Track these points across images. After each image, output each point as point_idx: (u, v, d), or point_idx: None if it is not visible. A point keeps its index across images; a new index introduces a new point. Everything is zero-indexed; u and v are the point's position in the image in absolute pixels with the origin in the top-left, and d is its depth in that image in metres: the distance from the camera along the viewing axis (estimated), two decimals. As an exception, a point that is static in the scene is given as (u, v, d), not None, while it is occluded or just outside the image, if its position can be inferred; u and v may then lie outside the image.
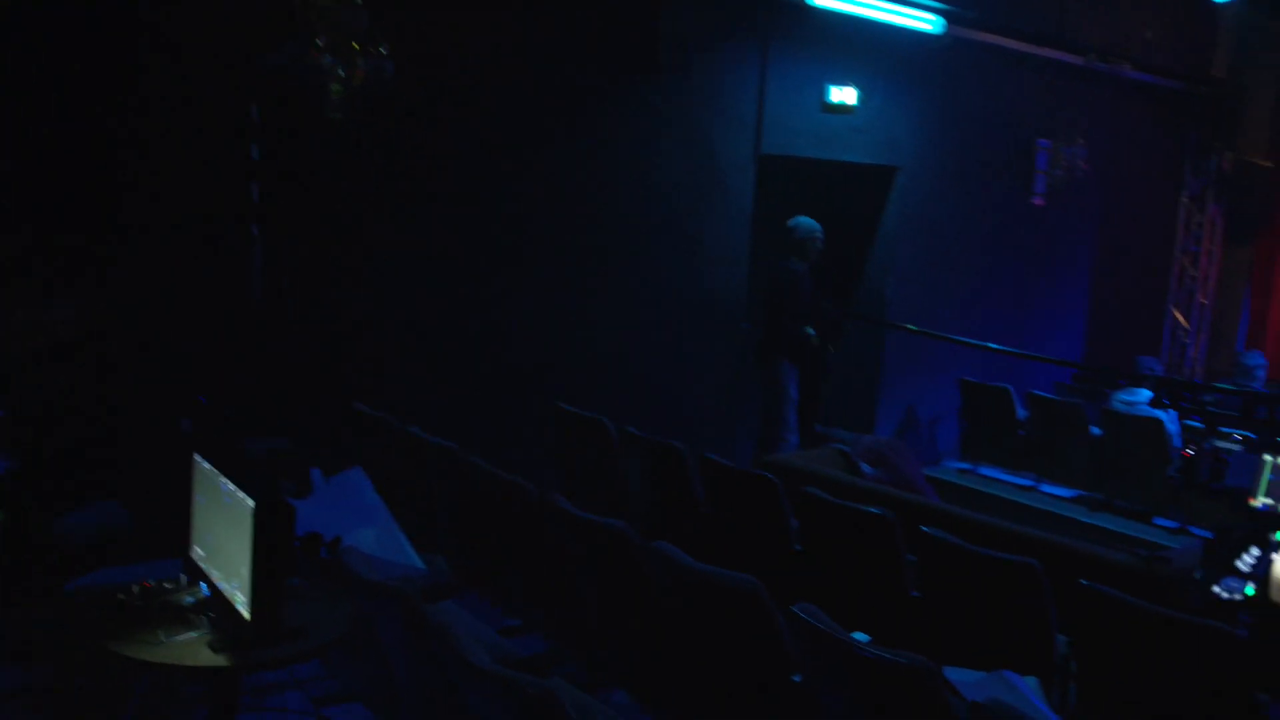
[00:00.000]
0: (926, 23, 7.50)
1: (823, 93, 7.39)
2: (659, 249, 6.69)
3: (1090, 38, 8.95)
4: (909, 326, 8.17)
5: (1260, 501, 2.19)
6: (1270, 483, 2.18)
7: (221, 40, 4.59)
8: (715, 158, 6.87)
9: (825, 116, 7.46)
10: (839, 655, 2.86)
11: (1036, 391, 8.03)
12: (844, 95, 7.44)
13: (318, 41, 4.16)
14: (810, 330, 7.03)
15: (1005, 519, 7.47)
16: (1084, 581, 3.43)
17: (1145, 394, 7.61)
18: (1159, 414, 7.52)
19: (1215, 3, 8.90)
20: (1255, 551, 2.12)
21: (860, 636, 2.97)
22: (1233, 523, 2.30)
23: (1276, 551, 2.09)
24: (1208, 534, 7.04)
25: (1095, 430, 7.61)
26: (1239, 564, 2.12)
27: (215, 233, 4.81)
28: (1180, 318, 11.39)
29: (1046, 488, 8.03)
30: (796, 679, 3.08)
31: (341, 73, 4.31)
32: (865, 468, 5.89)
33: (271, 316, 5.06)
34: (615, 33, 6.15)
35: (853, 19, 7.18)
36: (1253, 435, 6.28)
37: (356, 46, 4.52)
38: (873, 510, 4.12)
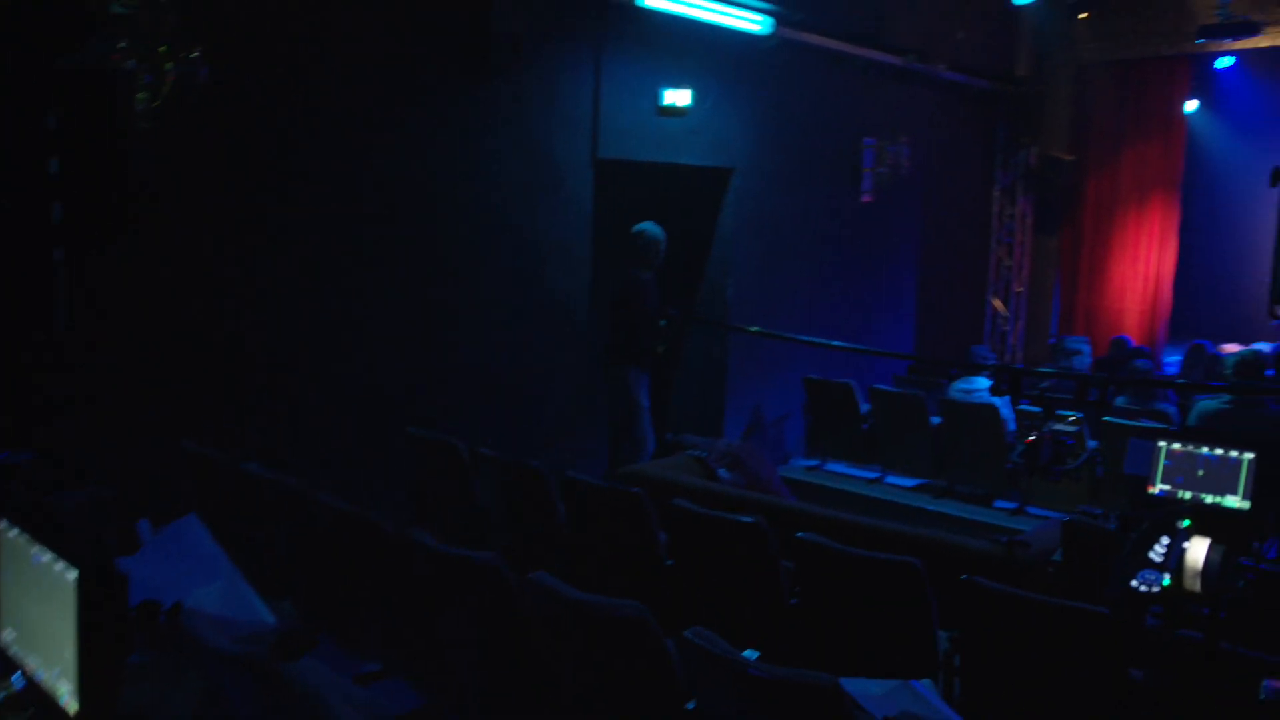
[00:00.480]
0: (755, 23, 7.53)
1: (657, 95, 7.32)
2: (501, 257, 6.45)
3: (907, 39, 9.23)
4: (750, 329, 8.19)
5: (1158, 488, 2.18)
6: (1166, 468, 2.18)
7: (8, 38, 4.09)
8: (553, 162, 6.68)
9: (660, 119, 7.39)
10: (734, 679, 2.72)
11: (878, 385, 8.19)
12: (678, 97, 7.38)
13: (120, 45, 3.74)
14: (660, 332, 6.94)
15: (855, 512, 7.62)
16: (965, 576, 3.43)
17: (983, 382, 7.88)
18: (995, 400, 7.79)
19: (1015, 5, 9.29)
20: (1165, 541, 2.11)
21: (749, 654, 2.85)
22: (1136, 512, 2.30)
23: (1186, 540, 2.09)
24: (1047, 513, 7.37)
25: (935, 419, 7.83)
26: (1151, 555, 2.11)
27: (9, 259, 4.29)
28: (999, 306, 11.93)
29: (891, 479, 8.21)
30: (690, 707, 2.93)
31: (148, 79, 3.90)
32: (722, 473, 5.83)
33: (81, 350, 4.57)
34: (447, 32, 5.88)
35: (684, 20, 7.14)
36: (1079, 415, 6.57)
37: (164, 50, 4.11)
38: (744, 519, 4.03)
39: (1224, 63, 10.89)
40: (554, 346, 6.83)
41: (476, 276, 6.32)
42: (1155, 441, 2.20)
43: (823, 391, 8.33)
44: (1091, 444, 6.77)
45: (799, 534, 3.88)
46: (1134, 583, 2.10)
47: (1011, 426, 7.44)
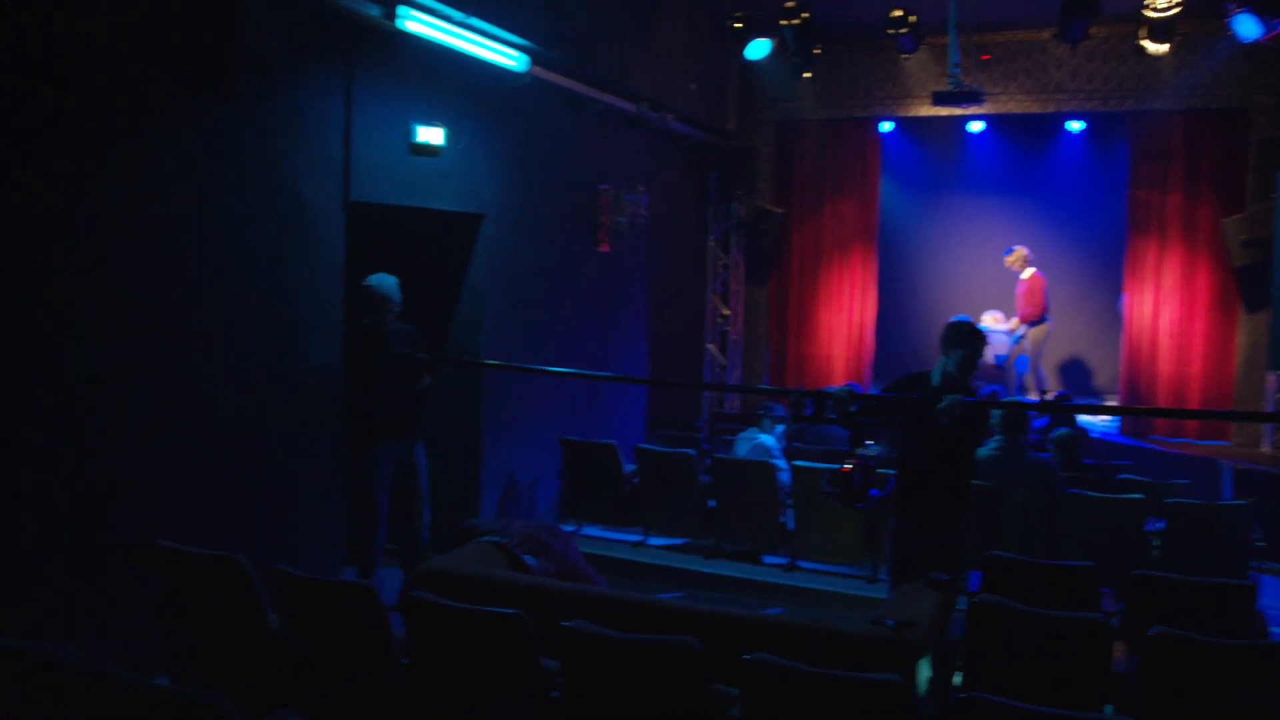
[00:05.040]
0: (512, 59, 6.95)
1: (410, 132, 6.52)
2: (241, 317, 5.36)
3: (644, 87, 9.04)
4: (488, 363, 7.52)
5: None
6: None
7: None
8: (303, 205, 5.69)
9: (413, 159, 6.59)
10: None
11: (644, 445, 7.83)
12: (431, 135, 6.63)
13: None
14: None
15: (620, 578, 7.15)
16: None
17: (757, 433, 7.77)
18: (773, 450, 7.69)
19: (745, 60, 9.39)
20: None
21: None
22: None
23: None
24: (818, 566, 7.31)
25: (704, 478, 7.58)
26: None
27: None
28: (717, 353, 12.04)
29: (655, 540, 7.85)
30: None
31: None
32: (529, 560, 5.13)
33: None
34: (185, 46, 4.79)
35: (441, 50, 6.41)
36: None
37: None
38: (503, 611, 3.57)
39: (886, 126, 11.76)
40: (307, 417, 5.80)
41: (213, 338, 5.19)
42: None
43: (582, 453, 7.85)
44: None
45: (564, 623, 3.51)
46: None
47: (786, 479, 7.33)
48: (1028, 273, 11.10)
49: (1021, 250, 11.18)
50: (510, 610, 3.58)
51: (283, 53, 5.26)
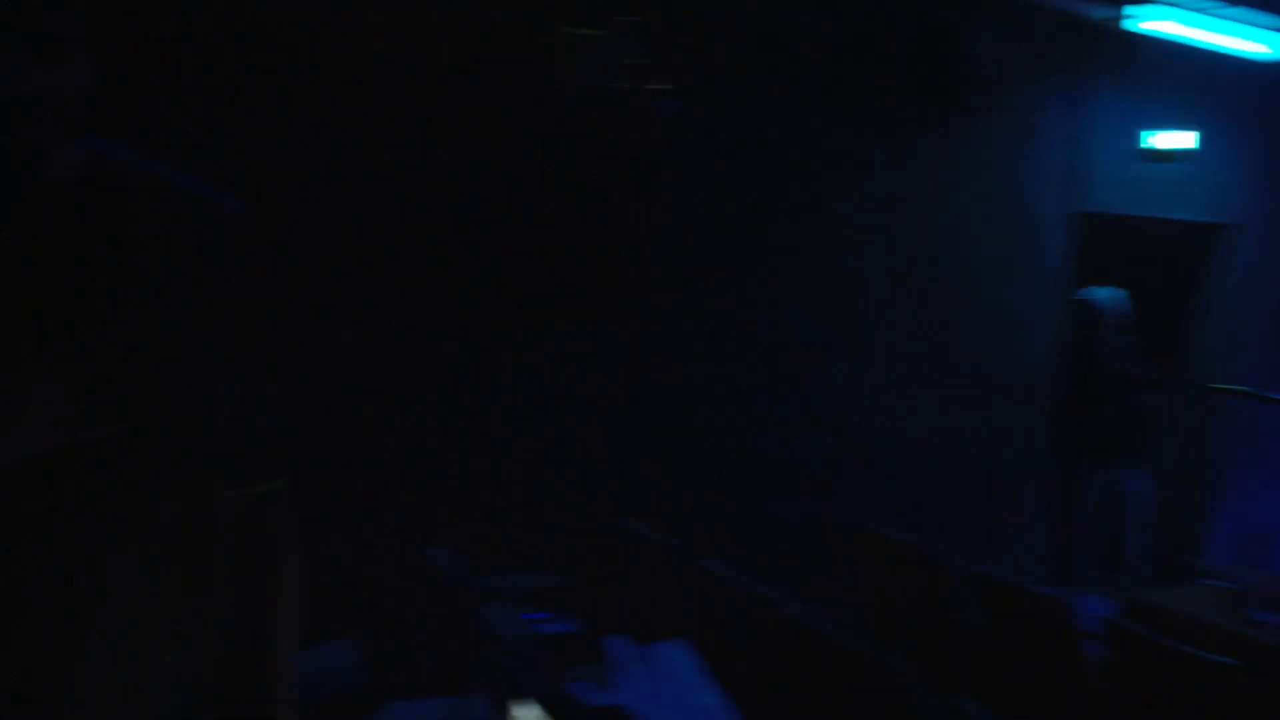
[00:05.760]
0: (1270, 45, 6.13)
1: (1138, 139, 6.12)
2: (954, 319, 5.52)
3: None
4: (1220, 386, 6.54)
5: None
6: None
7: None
8: (1025, 217, 5.68)
9: (1143, 165, 6.17)
10: None
11: None
12: (1169, 141, 6.13)
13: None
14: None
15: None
16: None
17: None
18: None
19: None
20: None
21: None
22: None
23: None
24: None
25: None
26: None
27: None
28: None
29: None
30: None
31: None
32: (1262, 615, 4.47)
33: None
34: (915, 67, 5.10)
35: (1178, 48, 5.91)
36: None
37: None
38: (1221, 660, 3.09)
39: None
40: (1015, 433, 5.76)
41: (924, 343, 5.42)
42: None
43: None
44: None
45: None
46: None
47: None
48: None
49: None
50: (1229, 660, 3.16)
51: (1007, 63, 5.31)
